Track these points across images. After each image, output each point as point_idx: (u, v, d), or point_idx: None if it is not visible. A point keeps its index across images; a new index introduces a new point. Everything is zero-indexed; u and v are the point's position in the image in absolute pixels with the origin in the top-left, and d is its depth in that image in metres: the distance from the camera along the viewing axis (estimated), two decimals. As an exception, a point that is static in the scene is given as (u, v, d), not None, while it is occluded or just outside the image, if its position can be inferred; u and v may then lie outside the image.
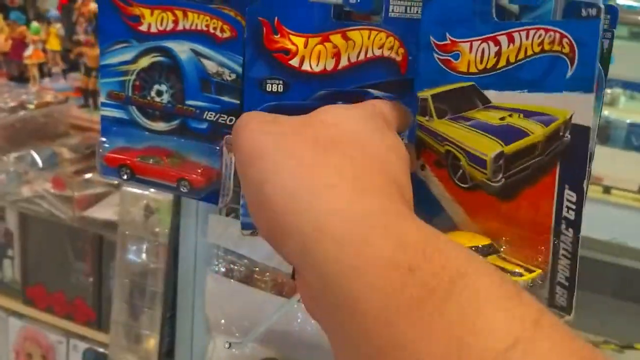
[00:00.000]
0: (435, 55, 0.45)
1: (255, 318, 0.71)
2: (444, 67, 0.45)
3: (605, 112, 3.46)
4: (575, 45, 0.40)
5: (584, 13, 0.40)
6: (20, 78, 1.75)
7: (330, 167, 0.34)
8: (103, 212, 1.11)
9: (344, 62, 0.46)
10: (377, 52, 0.45)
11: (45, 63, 1.77)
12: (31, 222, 1.25)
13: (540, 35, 0.41)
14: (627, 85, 3.59)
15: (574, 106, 0.40)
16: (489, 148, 0.44)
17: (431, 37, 0.45)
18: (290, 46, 0.47)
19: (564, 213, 0.42)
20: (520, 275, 0.42)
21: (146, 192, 0.85)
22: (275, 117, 0.39)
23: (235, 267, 0.72)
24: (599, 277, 2.84)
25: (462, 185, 0.46)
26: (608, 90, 3.60)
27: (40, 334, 1.29)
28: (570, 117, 0.41)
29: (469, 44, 0.43)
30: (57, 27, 1.82)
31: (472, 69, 0.44)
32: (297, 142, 0.36)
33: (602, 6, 0.40)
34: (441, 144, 0.46)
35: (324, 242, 0.31)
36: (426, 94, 0.46)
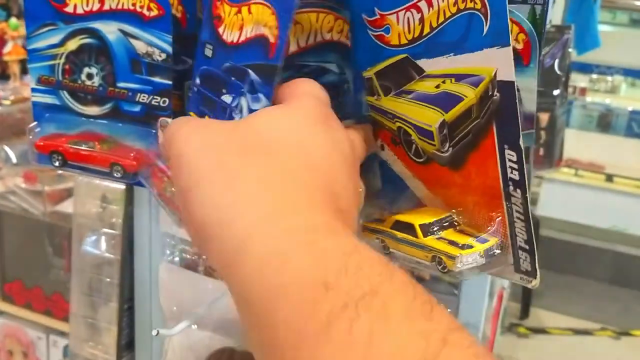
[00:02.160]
0: (370, 32, 0.44)
1: (207, 306, 0.70)
2: (378, 42, 0.44)
3: (607, 99, 3.44)
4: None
5: None
6: (2, 75, 1.74)
7: (256, 178, 0.33)
8: (74, 206, 1.10)
9: (243, 37, 0.44)
10: (262, 30, 0.43)
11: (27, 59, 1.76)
12: (7, 218, 1.24)
13: None
14: (628, 73, 3.57)
15: (495, 62, 0.39)
16: (432, 119, 0.43)
17: (364, 15, 0.44)
18: (222, 13, 0.46)
19: (509, 174, 0.41)
20: (470, 247, 0.41)
21: (103, 183, 0.83)
22: (207, 122, 0.38)
23: (188, 256, 0.71)
24: (596, 263, 2.82)
25: (418, 160, 0.45)
26: (609, 78, 3.58)
27: (20, 330, 1.28)
28: (495, 74, 0.39)
29: (395, 15, 0.42)
30: (39, 23, 1.80)
31: (403, 41, 0.43)
32: (225, 150, 0.34)
33: None
34: (392, 121, 0.45)
35: (245, 259, 0.30)
36: (370, 72, 0.45)
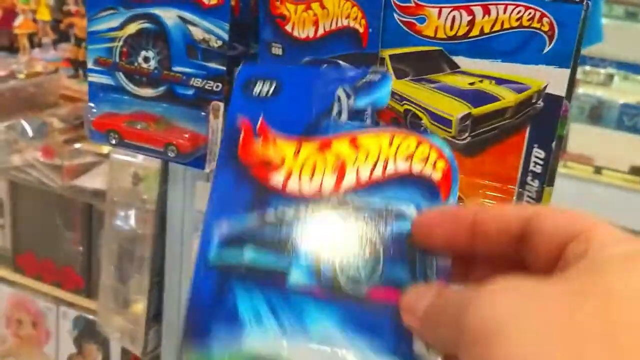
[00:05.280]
0: (396, 16, 0.47)
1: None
2: (406, 29, 0.47)
3: (599, 92, 3.47)
4: (555, 25, 0.43)
5: None
6: (10, 48, 1.74)
7: None
8: (92, 181, 1.12)
9: (320, 31, 0.47)
10: (345, 22, 0.46)
11: (36, 33, 1.76)
12: (22, 190, 1.26)
13: (519, 12, 0.44)
14: (621, 66, 3.59)
15: (549, 78, 0.44)
16: (455, 109, 0.47)
17: None
18: (285, 12, 0.49)
19: (531, 167, 0.46)
20: None
21: (134, 160, 0.86)
22: (534, 290, 0.24)
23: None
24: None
25: None
26: (602, 70, 3.61)
27: (29, 300, 1.30)
28: (545, 87, 0.44)
29: (437, 9, 0.45)
30: (48, -3, 1.81)
31: (441, 35, 0.46)
32: (570, 332, 0.22)
33: None
34: (400, 103, 0.49)
35: None
36: (384, 53, 0.48)
